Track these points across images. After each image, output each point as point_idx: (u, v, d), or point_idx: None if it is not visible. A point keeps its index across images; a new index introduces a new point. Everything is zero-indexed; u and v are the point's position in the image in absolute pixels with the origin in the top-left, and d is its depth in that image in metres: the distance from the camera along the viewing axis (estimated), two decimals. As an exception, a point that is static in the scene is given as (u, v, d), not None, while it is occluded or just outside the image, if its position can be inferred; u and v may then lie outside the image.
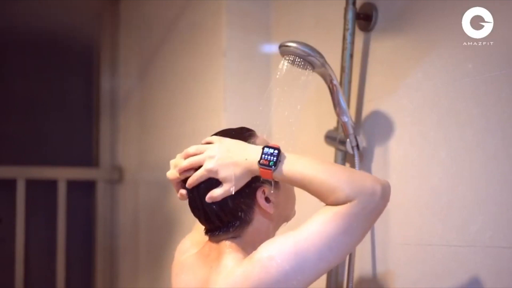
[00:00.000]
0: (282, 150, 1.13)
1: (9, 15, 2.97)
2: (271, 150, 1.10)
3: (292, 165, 1.11)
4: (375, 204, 1.08)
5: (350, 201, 1.06)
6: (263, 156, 1.10)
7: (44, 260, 3.00)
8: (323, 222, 1.06)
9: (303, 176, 1.10)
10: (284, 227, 1.26)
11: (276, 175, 1.11)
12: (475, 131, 1.30)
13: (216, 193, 1.13)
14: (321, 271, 1.08)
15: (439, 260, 1.37)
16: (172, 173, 1.21)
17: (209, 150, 1.15)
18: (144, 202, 2.80)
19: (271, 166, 1.10)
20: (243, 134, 1.21)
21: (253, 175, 1.14)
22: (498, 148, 1.25)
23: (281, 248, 1.05)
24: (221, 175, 1.13)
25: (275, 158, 1.10)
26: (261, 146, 1.12)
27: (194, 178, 1.15)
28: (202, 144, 1.18)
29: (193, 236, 1.34)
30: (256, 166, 1.11)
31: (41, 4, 3.06)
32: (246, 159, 1.12)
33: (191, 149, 1.18)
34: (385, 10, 1.56)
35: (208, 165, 1.13)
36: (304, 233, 1.06)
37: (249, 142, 1.19)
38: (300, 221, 1.14)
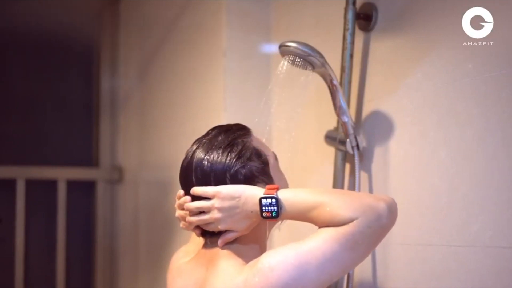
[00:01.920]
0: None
1: (9, 15, 2.97)
2: (269, 201, 1.10)
3: (293, 204, 1.11)
4: (380, 222, 1.07)
5: (353, 220, 1.05)
6: (263, 208, 1.11)
7: (44, 260, 3.00)
8: (327, 237, 1.05)
9: (305, 208, 1.10)
10: (287, 236, 1.26)
11: (281, 218, 1.12)
12: (475, 131, 1.30)
13: (229, 237, 1.17)
14: (323, 284, 1.08)
15: (439, 260, 1.37)
16: (186, 224, 1.24)
17: (212, 212, 1.15)
18: (144, 202, 2.80)
19: (274, 217, 1.11)
20: (237, 132, 1.21)
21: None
22: (498, 148, 1.25)
23: (283, 259, 1.05)
24: (236, 229, 1.16)
25: (275, 208, 1.10)
26: (259, 196, 1.11)
27: (211, 230, 1.18)
28: (196, 192, 1.17)
29: (188, 247, 1.35)
30: (260, 216, 1.13)
31: (41, 4, 3.06)
32: (251, 212, 1.13)
33: (192, 206, 1.18)
34: (385, 10, 1.56)
35: (221, 227, 1.15)
36: (306, 246, 1.06)
37: (243, 141, 1.19)
38: (301, 227, 1.14)
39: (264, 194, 1.11)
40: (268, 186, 1.13)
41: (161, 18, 2.63)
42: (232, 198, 1.13)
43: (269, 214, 1.11)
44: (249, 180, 1.16)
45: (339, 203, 1.07)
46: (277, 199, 1.10)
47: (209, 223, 1.17)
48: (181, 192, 1.22)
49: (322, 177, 1.73)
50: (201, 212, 1.17)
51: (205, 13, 2.18)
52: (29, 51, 3.09)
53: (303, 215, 1.10)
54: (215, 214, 1.14)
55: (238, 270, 1.11)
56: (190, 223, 1.20)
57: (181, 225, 1.26)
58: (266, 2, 2.08)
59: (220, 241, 1.17)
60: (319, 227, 1.09)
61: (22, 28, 3.02)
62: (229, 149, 1.17)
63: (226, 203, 1.13)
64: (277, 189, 1.12)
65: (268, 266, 1.05)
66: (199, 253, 1.24)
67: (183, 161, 1.21)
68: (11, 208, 2.86)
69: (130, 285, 2.89)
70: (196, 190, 1.17)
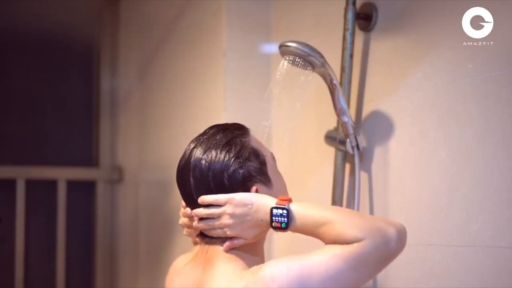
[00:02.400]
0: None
1: (9, 15, 2.97)
2: (280, 211, 1.10)
3: (303, 217, 1.10)
4: (388, 247, 1.06)
5: (361, 240, 1.04)
6: (274, 218, 1.11)
7: (44, 260, 3.00)
8: (333, 254, 1.05)
9: (315, 223, 1.09)
10: (287, 241, 1.26)
11: (290, 230, 1.12)
12: (475, 131, 1.30)
13: (236, 243, 1.16)
14: None
15: (439, 260, 1.37)
16: (189, 231, 1.25)
17: (223, 218, 1.14)
18: (144, 202, 2.80)
19: (283, 228, 1.11)
20: (236, 132, 1.21)
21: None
22: (498, 148, 1.25)
23: (286, 270, 1.05)
24: (243, 236, 1.16)
25: (285, 219, 1.10)
26: (271, 206, 1.11)
27: (216, 236, 1.18)
28: (206, 200, 1.16)
29: (187, 254, 1.35)
30: (270, 225, 1.13)
31: (41, 4, 3.06)
32: (262, 220, 1.13)
33: (202, 212, 1.17)
34: (385, 10, 1.56)
35: (230, 233, 1.15)
36: (311, 260, 1.05)
37: (241, 141, 1.19)
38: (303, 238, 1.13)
39: (276, 204, 1.11)
40: (280, 197, 1.13)
41: (161, 18, 2.63)
42: (245, 205, 1.13)
43: (278, 225, 1.10)
44: (247, 180, 1.16)
45: (349, 222, 1.07)
46: (288, 211, 1.10)
47: (218, 228, 1.16)
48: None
49: (322, 177, 1.73)
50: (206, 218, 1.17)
51: (205, 13, 2.18)
52: (29, 51, 3.09)
53: (312, 230, 1.10)
54: (225, 220, 1.14)
55: (238, 274, 1.11)
56: (197, 228, 1.19)
57: (184, 232, 1.26)
58: (266, 2, 2.08)
59: (225, 246, 1.16)
60: (326, 244, 1.08)
61: (22, 28, 3.01)
62: (227, 148, 1.17)
63: (239, 210, 1.13)
64: (290, 200, 1.11)
65: (270, 276, 1.05)
66: (196, 255, 1.24)
67: (181, 159, 1.20)
68: (11, 208, 2.86)
69: (130, 285, 2.89)
70: (206, 198, 1.16)
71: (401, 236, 1.08)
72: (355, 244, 1.04)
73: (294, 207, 1.11)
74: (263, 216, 1.12)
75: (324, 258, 1.05)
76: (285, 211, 1.10)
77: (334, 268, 1.04)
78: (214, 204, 1.15)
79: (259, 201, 1.13)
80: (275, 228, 1.11)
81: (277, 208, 1.11)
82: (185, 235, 1.27)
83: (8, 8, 2.94)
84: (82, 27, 3.23)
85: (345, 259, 1.04)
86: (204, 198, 1.16)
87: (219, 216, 1.15)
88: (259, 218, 1.13)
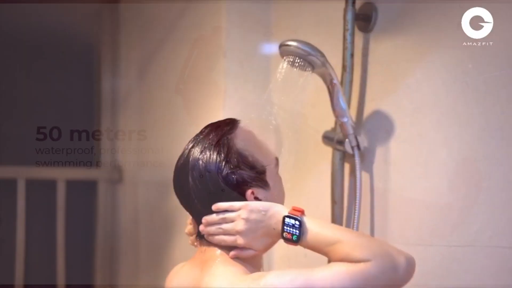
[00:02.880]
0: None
1: (9, 15, 2.97)
2: (293, 221, 1.09)
3: (316, 234, 1.10)
4: (396, 273, 1.06)
5: (367, 260, 1.04)
6: (285, 228, 1.10)
7: (44, 260, 3.00)
8: (340, 271, 1.05)
9: (325, 241, 1.09)
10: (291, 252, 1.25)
11: (300, 244, 1.11)
12: (475, 131, 1.30)
13: (245, 254, 1.15)
14: None
15: (439, 260, 1.37)
16: (194, 240, 1.25)
17: (237, 223, 1.13)
18: (144, 202, 2.80)
19: (295, 241, 1.10)
20: (225, 129, 1.20)
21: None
22: (498, 148, 1.25)
23: (289, 282, 1.04)
24: (253, 247, 1.15)
25: (297, 231, 1.09)
26: (283, 214, 1.11)
27: (225, 244, 1.16)
28: (221, 207, 1.15)
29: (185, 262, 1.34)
30: (281, 235, 1.12)
31: (41, 4, 3.06)
32: (274, 229, 1.12)
33: (215, 219, 1.16)
34: (385, 11, 1.56)
35: (241, 241, 1.14)
36: (317, 275, 1.05)
37: (227, 139, 1.17)
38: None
39: (289, 213, 1.11)
40: (293, 207, 1.12)
41: (161, 18, 2.63)
42: (259, 211, 1.13)
43: (289, 236, 1.10)
44: (242, 184, 1.15)
45: (359, 243, 1.07)
46: (301, 222, 1.09)
47: (228, 235, 1.15)
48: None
49: (320, 177, 1.73)
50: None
51: (205, 13, 2.18)
52: (29, 51, 3.09)
53: (321, 247, 1.10)
54: (239, 226, 1.13)
55: (239, 278, 1.10)
56: (209, 234, 1.18)
57: (189, 241, 1.26)
58: (266, 2, 2.08)
59: (232, 253, 1.15)
60: (331, 261, 1.08)
61: (22, 28, 3.01)
62: (217, 149, 1.16)
63: (253, 215, 1.12)
64: (302, 212, 1.11)
65: (272, 286, 1.04)
66: (194, 256, 1.23)
67: (179, 158, 1.20)
68: (11, 208, 2.86)
69: (130, 285, 2.88)
70: (221, 205, 1.15)
71: (410, 266, 1.08)
72: (362, 264, 1.04)
73: (307, 221, 1.10)
74: (275, 224, 1.12)
75: (330, 274, 1.04)
76: (297, 222, 1.09)
77: (339, 284, 1.03)
78: (229, 210, 1.14)
79: (273, 208, 1.13)
80: (286, 240, 1.10)
81: (289, 217, 1.10)
82: (190, 243, 1.26)
83: (8, 8, 2.94)
84: (82, 27, 3.22)
85: (351, 278, 1.03)
86: (219, 205, 1.15)
87: (232, 221, 1.14)
88: (271, 226, 1.12)
